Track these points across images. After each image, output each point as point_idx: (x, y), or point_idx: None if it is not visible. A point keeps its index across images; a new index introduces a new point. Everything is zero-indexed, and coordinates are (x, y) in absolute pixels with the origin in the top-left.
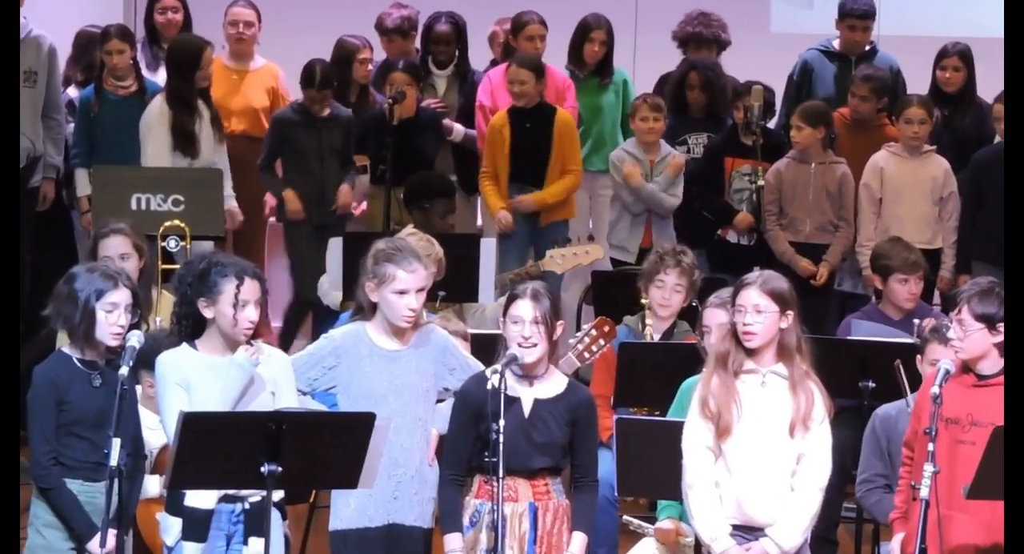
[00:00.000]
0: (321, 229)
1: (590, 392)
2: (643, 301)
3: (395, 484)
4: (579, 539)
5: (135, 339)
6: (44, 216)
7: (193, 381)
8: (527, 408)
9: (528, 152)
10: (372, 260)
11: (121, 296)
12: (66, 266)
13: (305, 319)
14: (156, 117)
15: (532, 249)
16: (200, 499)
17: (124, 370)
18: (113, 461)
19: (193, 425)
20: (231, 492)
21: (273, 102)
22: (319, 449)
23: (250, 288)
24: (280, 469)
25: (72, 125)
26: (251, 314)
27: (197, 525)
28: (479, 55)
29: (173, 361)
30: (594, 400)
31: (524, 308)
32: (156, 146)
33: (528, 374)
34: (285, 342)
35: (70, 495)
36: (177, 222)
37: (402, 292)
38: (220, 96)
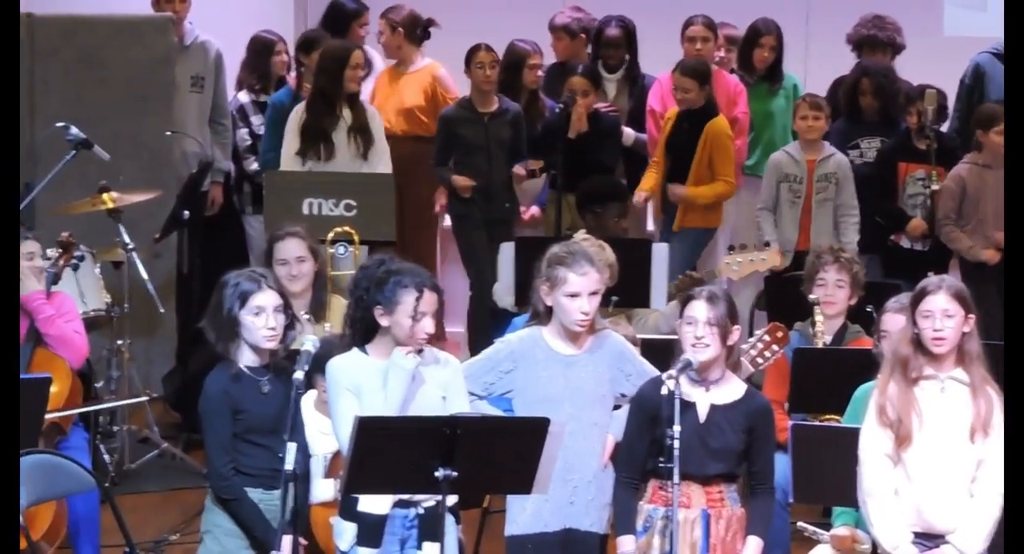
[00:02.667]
0: (488, 223)
1: (768, 399)
2: (811, 298)
3: (571, 489)
4: (754, 543)
5: (310, 344)
6: (213, 221)
7: (364, 386)
8: (703, 413)
9: (678, 153)
10: (546, 263)
11: (267, 299)
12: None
13: (486, 314)
14: (294, 120)
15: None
16: (374, 504)
17: (299, 374)
18: (289, 465)
19: (368, 430)
20: (405, 497)
21: (430, 100)
22: (494, 454)
23: (428, 300)
24: (455, 474)
25: (243, 128)
26: (428, 326)
27: (371, 530)
28: (648, 59)
29: (344, 366)
30: (772, 408)
31: (699, 309)
32: (287, 148)
33: (703, 379)
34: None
35: (252, 505)
36: (345, 228)
37: (574, 295)
38: (381, 99)
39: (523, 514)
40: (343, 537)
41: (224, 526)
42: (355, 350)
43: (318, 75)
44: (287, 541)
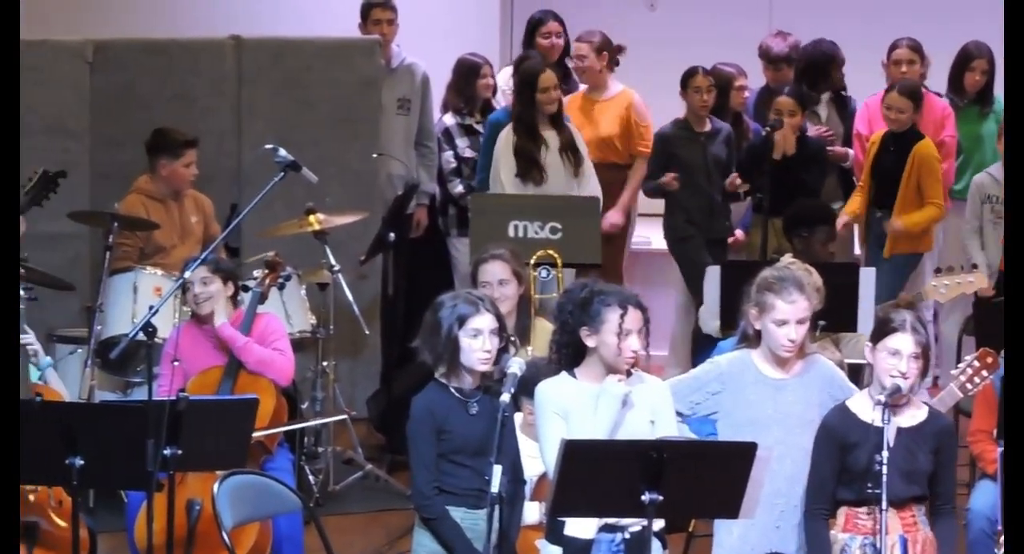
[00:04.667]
0: (711, 243)
1: (950, 420)
2: None
3: (778, 513)
4: None
5: (516, 366)
6: (418, 243)
7: (572, 410)
8: (891, 437)
9: (883, 175)
10: (755, 288)
11: (484, 321)
12: (441, 292)
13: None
14: (504, 143)
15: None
16: (580, 528)
17: (506, 397)
18: (494, 488)
19: (575, 453)
20: (611, 521)
21: (625, 128)
22: (701, 478)
23: (634, 317)
24: (661, 498)
25: (448, 151)
26: (634, 343)
27: None
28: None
29: (552, 390)
30: (954, 428)
31: (904, 342)
32: (505, 172)
33: (893, 403)
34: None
35: (453, 524)
36: (549, 251)
37: (782, 322)
38: (577, 127)
39: (729, 538)
40: None
41: (428, 546)
42: (564, 374)
43: (514, 100)
44: None
